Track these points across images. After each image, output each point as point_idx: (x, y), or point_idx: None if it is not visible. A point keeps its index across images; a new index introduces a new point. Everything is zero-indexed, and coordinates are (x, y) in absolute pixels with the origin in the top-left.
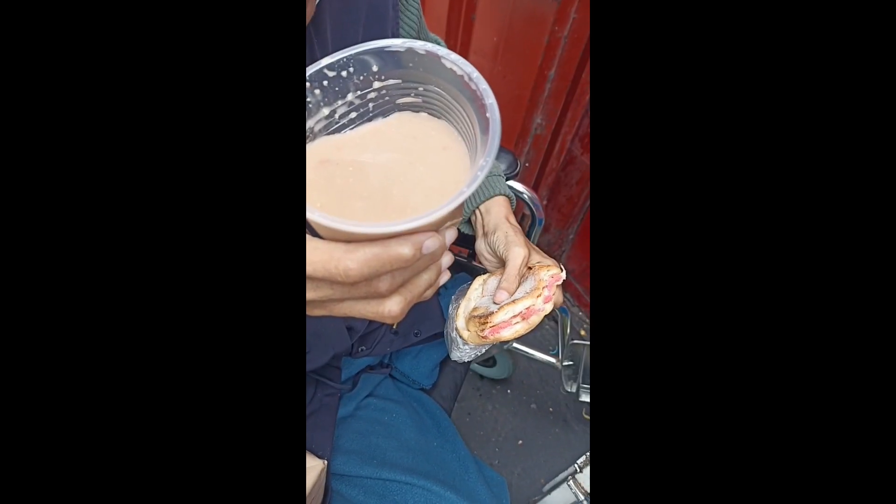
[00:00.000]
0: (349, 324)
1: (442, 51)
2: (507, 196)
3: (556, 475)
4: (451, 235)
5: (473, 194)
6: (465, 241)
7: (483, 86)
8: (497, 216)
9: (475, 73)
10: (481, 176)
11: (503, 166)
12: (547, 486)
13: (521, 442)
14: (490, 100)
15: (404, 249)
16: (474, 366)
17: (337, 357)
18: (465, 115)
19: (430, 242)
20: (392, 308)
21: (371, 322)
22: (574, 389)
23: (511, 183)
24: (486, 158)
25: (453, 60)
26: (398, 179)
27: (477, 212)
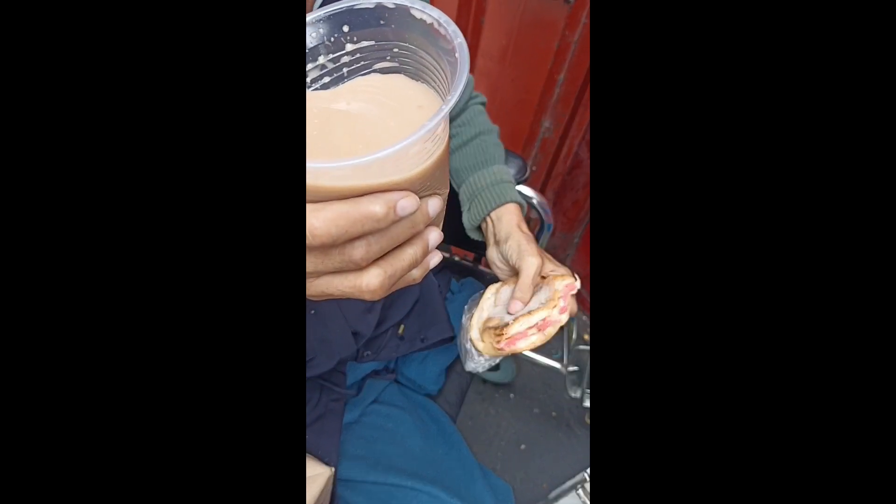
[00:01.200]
0: (354, 328)
1: (409, 1)
2: (518, 203)
3: (560, 480)
4: (434, 205)
5: (485, 202)
6: (471, 245)
7: (452, 28)
8: (509, 224)
9: (444, 17)
10: (446, 109)
11: (513, 171)
12: (553, 493)
13: (523, 447)
14: (459, 39)
15: (375, 207)
16: None
17: (342, 362)
18: (440, 70)
19: (405, 203)
20: (370, 281)
21: (377, 327)
22: (578, 395)
23: (520, 188)
24: (453, 93)
25: (421, 8)
26: (367, 135)
27: (488, 219)
